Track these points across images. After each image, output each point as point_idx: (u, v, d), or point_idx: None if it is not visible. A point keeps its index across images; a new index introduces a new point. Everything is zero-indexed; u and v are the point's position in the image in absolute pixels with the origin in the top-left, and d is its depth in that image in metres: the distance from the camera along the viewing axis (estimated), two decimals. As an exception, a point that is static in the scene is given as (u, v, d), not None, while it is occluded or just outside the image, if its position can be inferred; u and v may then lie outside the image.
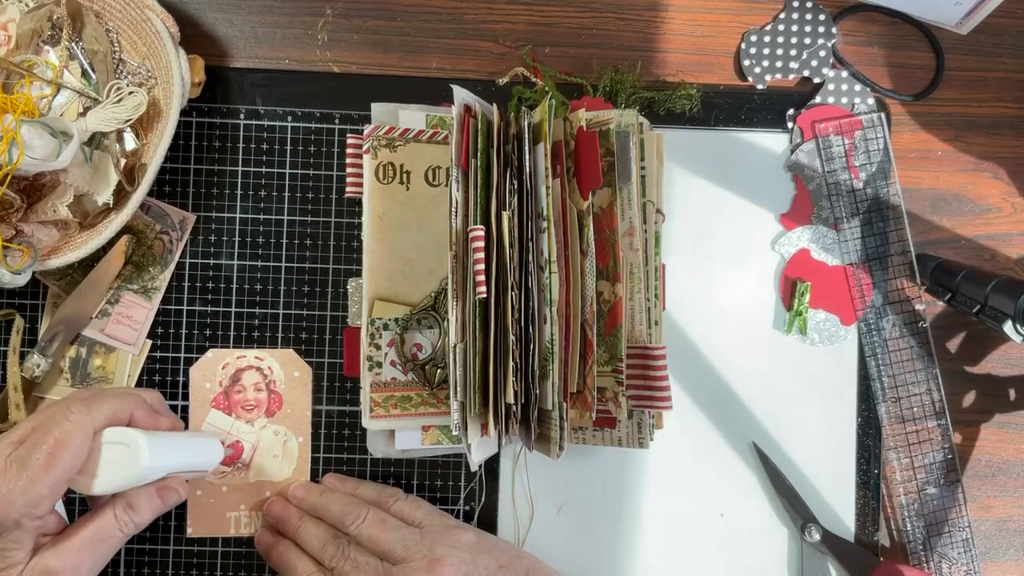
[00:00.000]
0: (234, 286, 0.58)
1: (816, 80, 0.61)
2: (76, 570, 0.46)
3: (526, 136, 0.51)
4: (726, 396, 0.60)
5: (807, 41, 0.60)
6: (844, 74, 0.61)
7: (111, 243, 0.54)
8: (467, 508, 0.58)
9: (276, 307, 0.58)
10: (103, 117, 0.53)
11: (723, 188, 0.61)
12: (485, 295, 0.48)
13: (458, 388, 0.49)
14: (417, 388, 0.55)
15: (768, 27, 0.61)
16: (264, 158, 0.59)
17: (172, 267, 0.58)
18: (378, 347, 0.55)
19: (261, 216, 0.58)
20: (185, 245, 0.58)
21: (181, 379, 0.57)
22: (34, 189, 0.54)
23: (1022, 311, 0.51)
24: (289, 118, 0.59)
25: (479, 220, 0.50)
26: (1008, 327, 0.52)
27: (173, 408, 0.57)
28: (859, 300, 0.60)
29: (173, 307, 0.58)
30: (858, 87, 0.60)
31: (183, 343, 0.58)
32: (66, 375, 0.57)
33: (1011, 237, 0.62)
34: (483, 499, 0.59)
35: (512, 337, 0.49)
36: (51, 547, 0.46)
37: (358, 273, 0.58)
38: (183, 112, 0.56)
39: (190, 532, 0.57)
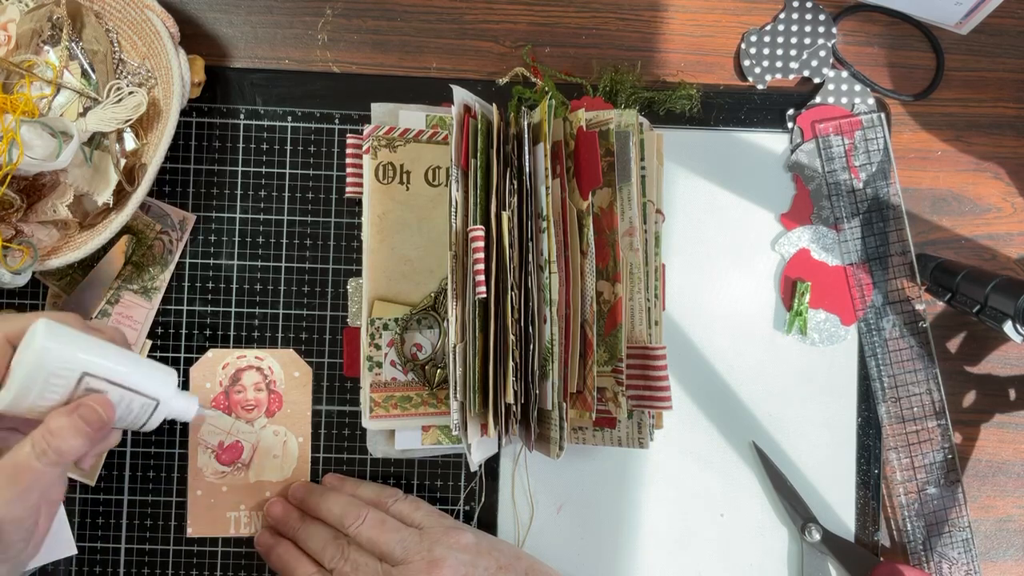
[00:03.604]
0: (234, 286, 0.58)
1: (816, 80, 0.61)
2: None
3: (526, 136, 0.51)
4: (726, 396, 0.60)
5: (807, 41, 0.60)
6: (844, 74, 0.60)
7: (111, 243, 0.54)
8: (467, 508, 0.58)
9: (276, 307, 0.58)
10: (103, 117, 0.53)
11: (723, 188, 0.61)
12: (485, 295, 0.48)
13: (458, 388, 0.49)
14: (417, 388, 0.55)
15: (768, 27, 0.61)
16: (264, 158, 0.58)
17: (172, 267, 0.58)
18: (378, 347, 0.55)
19: (261, 216, 0.58)
20: (185, 245, 0.58)
21: (181, 379, 0.57)
22: (34, 189, 0.54)
23: (1022, 311, 0.51)
24: (289, 118, 0.59)
25: (479, 220, 0.50)
26: (1008, 327, 0.51)
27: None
28: (859, 300, 0.60)
29: (173, 307, 0.58)
30: (858, 87, 0.60)
31: (183, 343, 0.58)
32: (66, 375, 0.57)
33: (1011, 237, 0.62)
34: (483, 499, 0.59)
35: (512, 337, 0.49)
36: None
37: (358, 273, 0.58)
38: (183, 112, 0.56)
39: (190, 532, 0.57)
